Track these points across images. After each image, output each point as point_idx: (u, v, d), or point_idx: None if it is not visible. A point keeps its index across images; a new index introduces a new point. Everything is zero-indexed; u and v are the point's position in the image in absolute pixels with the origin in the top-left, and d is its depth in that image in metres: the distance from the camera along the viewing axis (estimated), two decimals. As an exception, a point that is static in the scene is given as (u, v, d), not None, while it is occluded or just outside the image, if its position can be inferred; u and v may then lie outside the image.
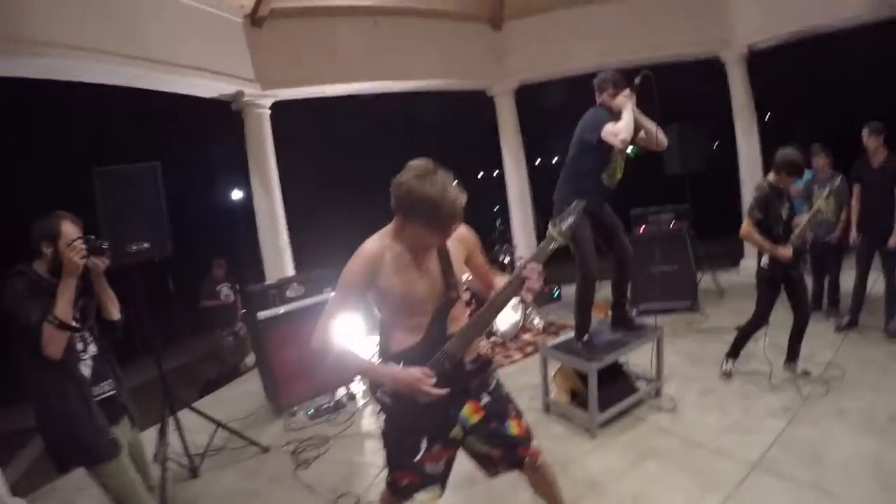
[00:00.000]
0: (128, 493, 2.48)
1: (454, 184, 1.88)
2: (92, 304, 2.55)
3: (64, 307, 2.27)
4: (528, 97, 8.32)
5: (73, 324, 2.34)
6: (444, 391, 1.94)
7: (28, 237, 2.41)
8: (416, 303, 2.01)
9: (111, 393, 2.57)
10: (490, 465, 2.24)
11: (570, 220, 1.88)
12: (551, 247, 1.91)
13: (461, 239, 2.16)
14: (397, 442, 2.15)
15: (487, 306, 1.98)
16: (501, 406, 2.19)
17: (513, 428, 2.17)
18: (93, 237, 2.41)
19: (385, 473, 2.26)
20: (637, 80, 3.75)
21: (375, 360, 2.17)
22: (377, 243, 2.01)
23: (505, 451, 2.16)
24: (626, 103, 3.63)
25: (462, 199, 1.89)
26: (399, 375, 1.94)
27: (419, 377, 1.91)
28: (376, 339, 2.24)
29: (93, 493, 3.40)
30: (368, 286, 1.99)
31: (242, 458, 4.00)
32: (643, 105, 3.78)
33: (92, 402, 2.44)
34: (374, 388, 2.10)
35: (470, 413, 2.12)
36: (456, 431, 2.12)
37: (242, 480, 3.71)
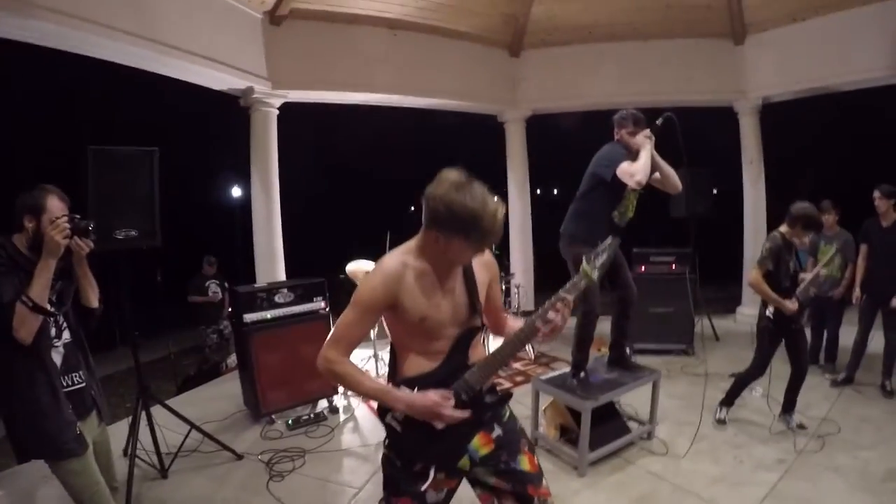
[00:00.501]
0: (89, 494, 2.33)
1: (492, 196, 1.76)
2: (70, 288, 2.40)
3: (40, 288, 2.13)
4: (536, 128, 8.32)
5: (49, 308, 2.19)
6: (466, 413, 1.83)
7: (11, 208, 2.27)
8: (437, 327, 1.88)
9: (81, 385, 2.42)
10: (494, 497, 2.08)
11: (604, 257, 1.82)
12: (583, 283, 1.83)
13: (486, 264, 2.05)
14: (400, 469, 1.99)
15: (514, 337, 1.88)
16: (514, 439, 2.04)
17: (524, 463, 2.02)
18: (78, 217, 2.28)
19: (364, 496, 2.12)
20: (659, 122, 3.70)
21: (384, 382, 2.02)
22: (398, 259, 1.86)
23: (514, 485, 2.01)
24: (646, 143, 3.57)
25: (502, 210, 1.77)
26: (416, 400, 1.80)
27: (438, 401, 1.79)
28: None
29: (57, 483, 3.26)
30: (388, 306, 1.84)
31: (214, 462, 3.83)
32: (660, 148, 3.72)
33: (60, 393, 2.29)
34: (383, 412, 1.96)
35: (479, 445, 1.98)
36: (463, 462, 1.98)
37: (212, 487, 3.54)
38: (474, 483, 2.08)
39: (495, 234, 1.76)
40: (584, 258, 1.85)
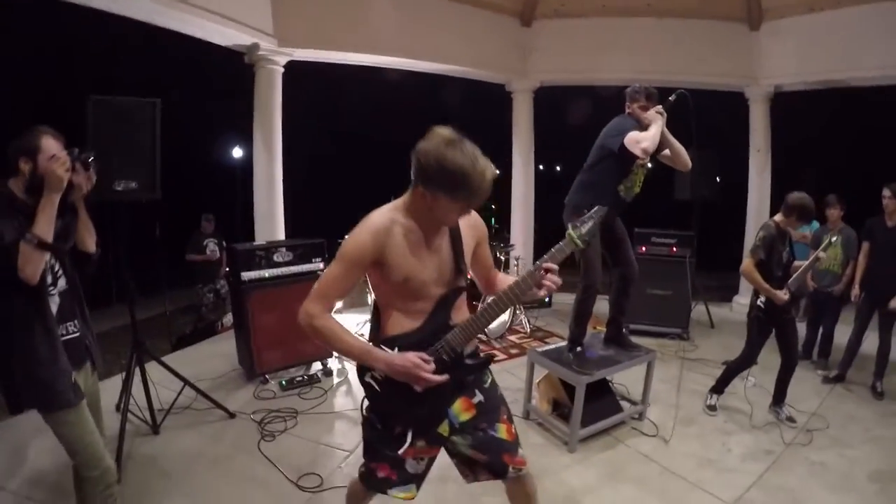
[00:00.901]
0: (84, 445, 2.27)
1: (483, 156, 1.73)
2: (73, 225, 2.33)
3: (44, 225, 2.06)
4: (544, 101, 8.19)
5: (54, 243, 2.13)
6: (444, 377, 1.81)
7: (3, 154, 2.19)
8: (421, 286, 1.86)
9: (75, 335, 2.34)
10: (470, 471, 2.11)
11: (591, 224, 1.81)
12: (569, 249, 1.82)
13: (474, 225, 2.02)
14: (379, 432, 2.00)
15: (497, 300, 1.86)
16: (493, 406, 2.05)
17: (502, 431, 2.03)
18: (77, 149, 2.20)
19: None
20: (672, 98, 3.67)
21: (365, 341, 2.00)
22: (386, 216, 1.84)
23: (490, 455, 2.01)
24: (657, 119, 3.54)
25: (491, 170, 1.73)
26: (395, 360, 1.78)
27: (417, 362, 1.77)
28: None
29: (51, 436, 3.25)
30: (374, 261, 1.81)
31: (207, 420, 3.85)
32: (671, 125, 3.68)
33: (58, 341, 2.23)
34: (362, 371, 1.95)
35: (460, 410, 1.98)
36: (443, 428, 1.99)
37: (204, 444, 3.55)
38: (452, 454, 2.09)
39: (482, 194, 1.73)
40: (570, 224, 1.83)
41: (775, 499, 3.12)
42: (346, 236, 1.87)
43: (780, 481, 3.30)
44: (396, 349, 1.84)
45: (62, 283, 2.29)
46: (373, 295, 2.02)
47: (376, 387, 1.93)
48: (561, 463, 3.44)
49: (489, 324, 1.90)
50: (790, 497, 3.14)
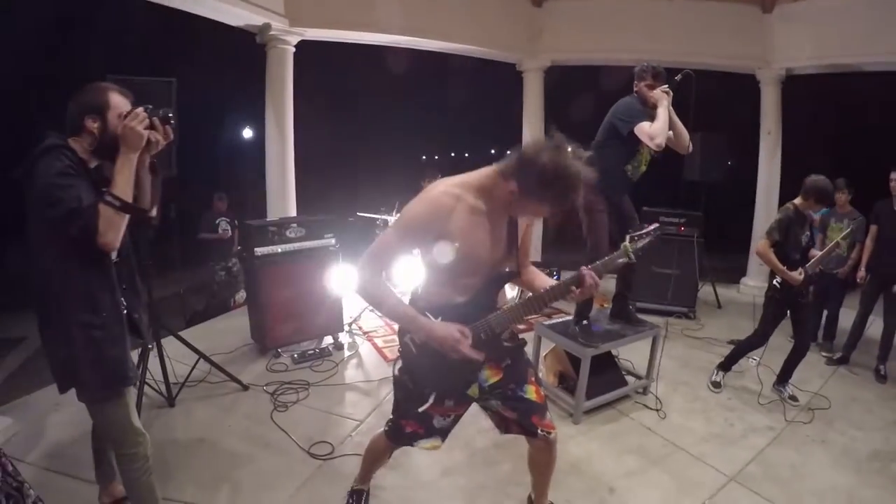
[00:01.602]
0: (131, 422, 2.15)
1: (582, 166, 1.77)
2: (149, 186, 2.16)
3: (124, 185, 1.90)
4: (554, 81, 8.17)
5: (138, 205, 1.97)
6: (480, 354, 1.88)
7: (63, 113, 2.00)
8: (476, 265, 1.91)
9: (125, 309, 2.16)
10: (502, 422, 2.20)
11: (648, 240, 1.89)
12: (620, 260, 1.90)
13: None
14: (410, 391, 2.08)
15: (544, 293, 1.94)
16: (522, 368, 2.14)
17: (531, 392, 2.11)
18: (151, 105, 2.03)
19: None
20: (678, 78, 3.72)
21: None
22: (452, 193, 1.84)
23: (519, 414, 2.10)
24: (663, 99, 3.57)
25: (581, 190, 1.76)
26: (438, 330, 1.85)
27: (457, 336, 1.84)
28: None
29: (70, 410, 3.34)
30: (430, 235, 1.83)
31: (220, 392, 3.95)
32: (675, 104, 3.70)
33: (123, 316, 2.09)
34: (402, 331, 2.02)
35: (489, 375, 2.07)
36: (473, 390, 2.07)
37: (218, 415, 3.66)
38: (485, 408, 2.19)
39: (568, 206, 1.79)
40: (627, 237, 1.90)
41: (775, 473, 3.18)
42: (410, 203, 1.88)
43: (781, 456, 3.36)
44: (440, 318, 1.89)
45: (114, 254, 2.09)
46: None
47: (412, 348, 1.99)
48: (565, 434, 3.50)
49: (531, 314, 1.96)
50: (790, 472, 3.20)
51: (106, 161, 2.05)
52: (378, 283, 1.87)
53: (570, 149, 1.75)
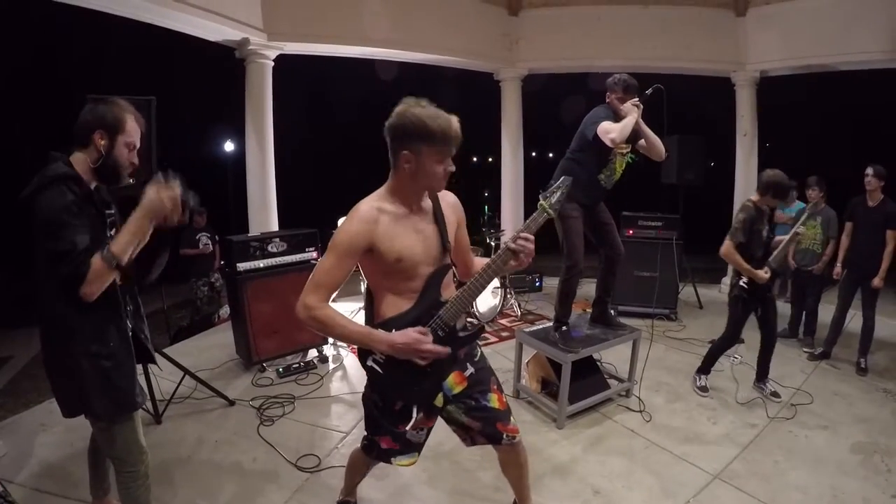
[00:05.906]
0: (137, 443, 2.14)
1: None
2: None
3: (126, 245, 1.87)
4: (532, 90, 8.27)
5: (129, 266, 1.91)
6: (446, 348, 1.92)
7: (69, 122, 1.95)
8: (412, 266, 1.95)
9: (131, 332, 2.15)
10: (467, 435, 2.24)
11: (559, 193, 1.90)
12: (542, 218, 1.92)
13: (454, 207, 2.14)
14: (381, 408, 2.11)
15: (482, 272, 1.95)
16: (484, 378, 2.19)
17: (493, 401, 2.17)
18: (191, 191, 2.03)
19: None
20: (648, 92, 3.79)
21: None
22: (372, 204, 1.92)
23: (483, 423, 2.15)
24: (632, 111, 3.64)
25: (455, 119, 1.85)
26: (397, 339, 1.87)
27: (418, 337, 1.87)
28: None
29: (57, 430, 3.32)
30: (365, 249, 1.89)
31: (207, 408, 3.94)
32: (648, 116, 3.79)
33: (131, 343, 2.08)
34: (363, 356, 2.03)
35: (453, 383, 2.12)
36: (438, 399, 2.11)
37: (205, 431, 3.65)
38: (449, 421, 2.22)
39: (455, 135, 1.85)
40: (540, 194, 1.94)
41: (759, 469, 3.23)
42: (337, 228, 1.95)
43: (764, 453, 3.42)
44: (393, 330, 1.91)
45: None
46: (365, 282, 2.09)
47: (378, 370, 2.00)
48: (549, 439, 3.56)
49: (477, 296, 1.98)
50: (773, 468, 3.26)
51: (102, 185, 2.06)
52: (326, 310, 1.88)
53: (419, 101, 1.85)
